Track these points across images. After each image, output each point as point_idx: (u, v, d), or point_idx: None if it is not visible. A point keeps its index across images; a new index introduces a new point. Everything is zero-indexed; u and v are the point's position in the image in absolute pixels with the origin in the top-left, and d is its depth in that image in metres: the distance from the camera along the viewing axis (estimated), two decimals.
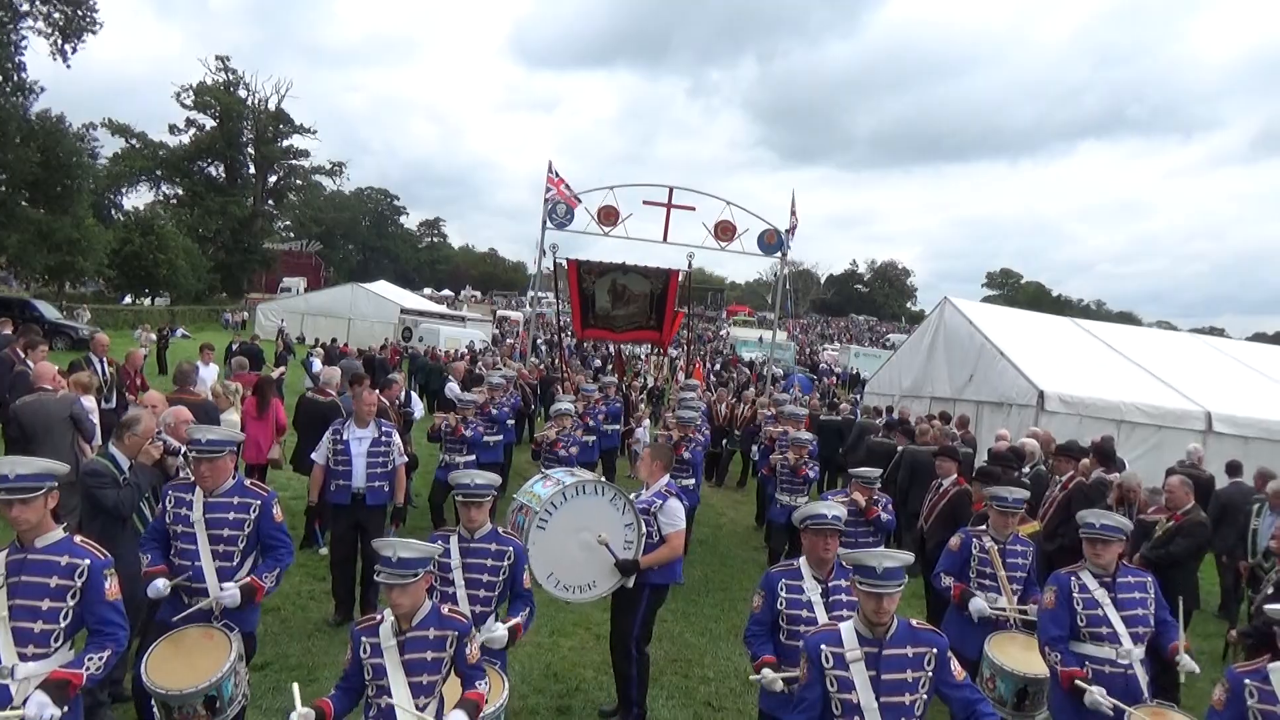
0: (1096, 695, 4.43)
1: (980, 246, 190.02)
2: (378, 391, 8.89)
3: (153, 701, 4.16)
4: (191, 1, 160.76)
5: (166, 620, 4.54)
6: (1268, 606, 3.81)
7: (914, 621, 3.70)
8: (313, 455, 7.59)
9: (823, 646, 3.60)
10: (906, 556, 3.60)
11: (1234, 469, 10.75)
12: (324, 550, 8.48)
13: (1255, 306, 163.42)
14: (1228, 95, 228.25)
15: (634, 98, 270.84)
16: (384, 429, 7.45)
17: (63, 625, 3.61)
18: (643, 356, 26.54)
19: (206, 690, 4.05)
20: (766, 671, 4.30)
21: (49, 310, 28.64)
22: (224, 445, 4.70)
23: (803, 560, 4.54)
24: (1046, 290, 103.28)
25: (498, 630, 4.59)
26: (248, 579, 4.60)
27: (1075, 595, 4.72)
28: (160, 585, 4.51)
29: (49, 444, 6.63)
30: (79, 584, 3.63)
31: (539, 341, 36.95)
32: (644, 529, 5.70)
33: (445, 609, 3.90)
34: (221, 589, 4.51)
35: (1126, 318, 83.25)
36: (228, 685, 4.19)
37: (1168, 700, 4.77)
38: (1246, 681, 3.58)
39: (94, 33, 41.61)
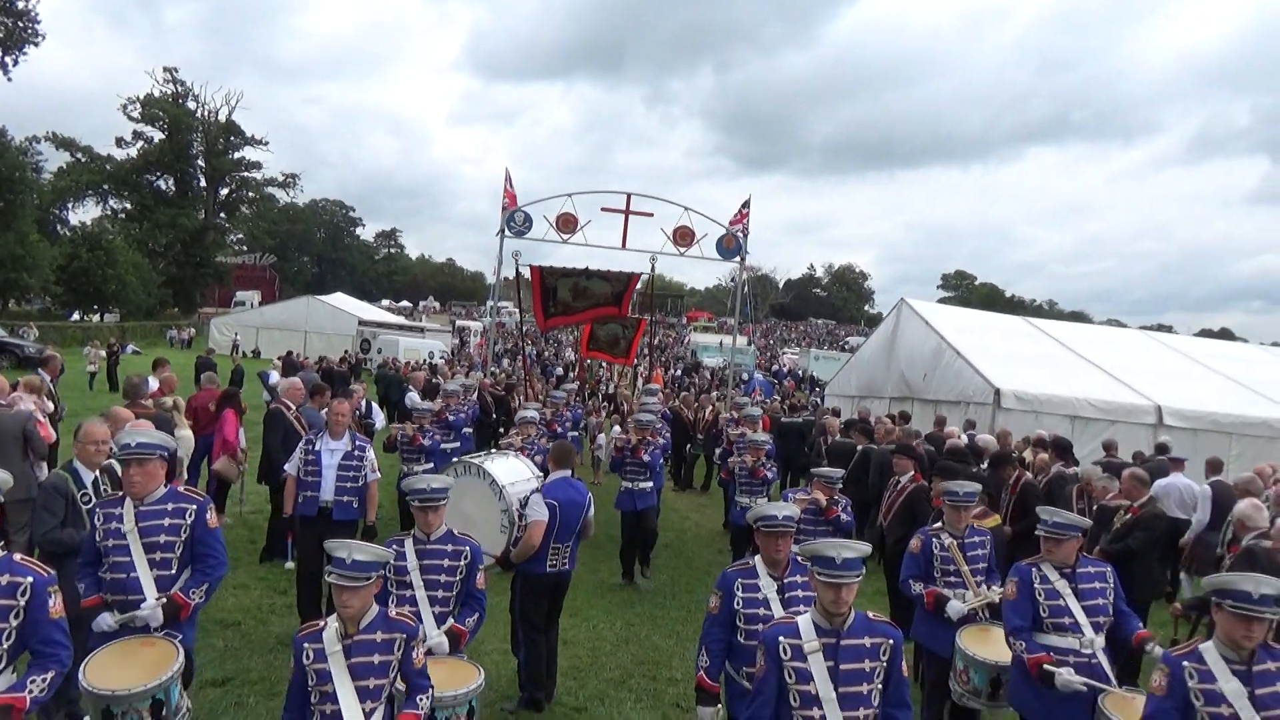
0: (1067, 676, 4.50)
1: (935, 250, 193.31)
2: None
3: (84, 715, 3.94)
4: (144, 15, 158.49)
5: (100, 642, 4.29)
6: (1205, 578, 3.90)
7: (870, 614, 3.72)
8: (285, 466, 7.46)
9: (781, 639, 3.61)
10: (864, 547, 3.63)
11: (1162, 449, 11.58)
12: (290, 565, 8.34)
13: (1200, 303, 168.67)
14: (1165, 100, 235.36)
15: (592, 108, 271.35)
16: (358, 443, 7.28)
17: (5, 646, 3.48)
18: (604, 365, 26.66)
19: (154, 692, 3.87)
20: (705, 713, 4.37)
21: None
22: (154, 449, 4.51)
23: (758, 559, 4.55)
24: (1000, 291, 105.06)
25: (435, 639, 4.55)
26: (171, 594, 4.39)
27: (1036, 586, 4.79)
28: (108, 620, 4.31)
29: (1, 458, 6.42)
30: (22, 603, 3.50)
31: (499, 350, 36.73)
32: (516, 519, 6.12)
33: (393, 611, 3.86)
34: (141, 607, 4.31)
35: (1078, 316, 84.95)
36: (175, 691, 4.00)
37: (1131, 686, 4.85)
38: (1185, 664, 3.67)
39: (35, 44, 40.86)
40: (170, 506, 4.53)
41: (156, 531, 4.45)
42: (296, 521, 7.34)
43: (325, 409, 8.32)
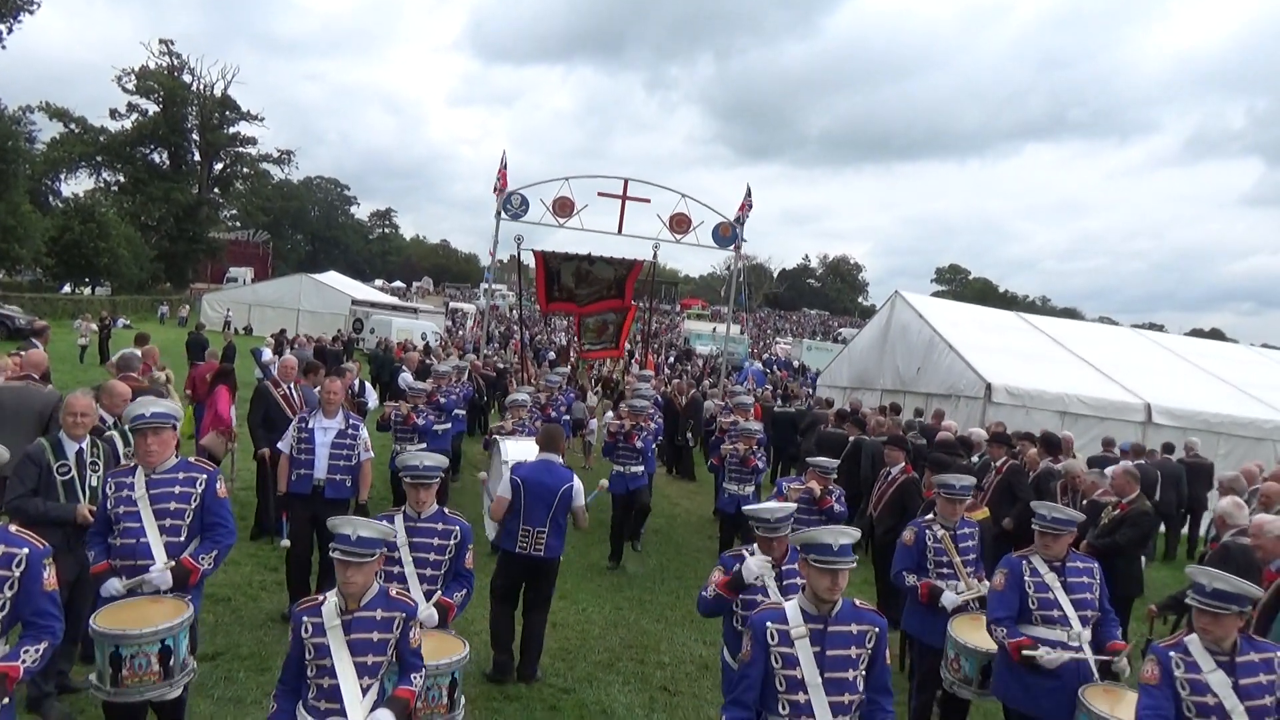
0: (1047, 655, 4.56)
1: (930, 243, 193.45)
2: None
3: (95, 676, 4.01)
4: None
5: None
6: (1188, 568, 3.97)
7: (857, 601, 3.77)
8: (279, 445, 7.46)
9: (768, 624, 3.65)
10: (855, 532, 3.69)
11: (1168, 449, 12.19)
12: (285, 543, 8.31)
13: (1192, 303, 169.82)
14: (1161, 101, 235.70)
15: (592, 92, 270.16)
16: (351, 421, 7.27)
17: (0, 616, 3.51)
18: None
19: (162, 636, 3.96)
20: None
21: None
22: (169, 418, 4.62)
23: (755, 547, 4.58)
24: (994, 286, 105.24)
25: (424, 611, 4.57)
26: (181, 559, 4.49)
27: (1026, 579, 4.83)
28: (116, 585, 4.41)
29: (12, 433, 6.27)
30: (17, 574, 3.51)
31: (493, 332, 36.70)
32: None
33: (393, 590, 3.91)
34: (150, 570, 4.40)
35: (1070, 313, 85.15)
36: (183, 641, 4.09)
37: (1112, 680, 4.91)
38: (1172, 655, 3.78)
39: (30, 12, 40.41)
40: (181, 476, 4.62)
41: (167, 499, 4.54)
42: (289, 499, 7.34)
43: (318, 387, 8.31)
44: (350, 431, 7.19)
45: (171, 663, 4.02)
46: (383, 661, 3.72)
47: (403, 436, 10.01)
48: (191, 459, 4.80)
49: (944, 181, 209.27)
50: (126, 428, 5.04)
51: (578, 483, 6.46)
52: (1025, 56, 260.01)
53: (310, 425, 7.16)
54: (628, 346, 24.74)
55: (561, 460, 6.63)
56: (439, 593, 4.80)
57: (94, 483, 5.21)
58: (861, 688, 3.65)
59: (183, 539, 4.56)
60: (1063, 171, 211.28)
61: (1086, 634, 4.78)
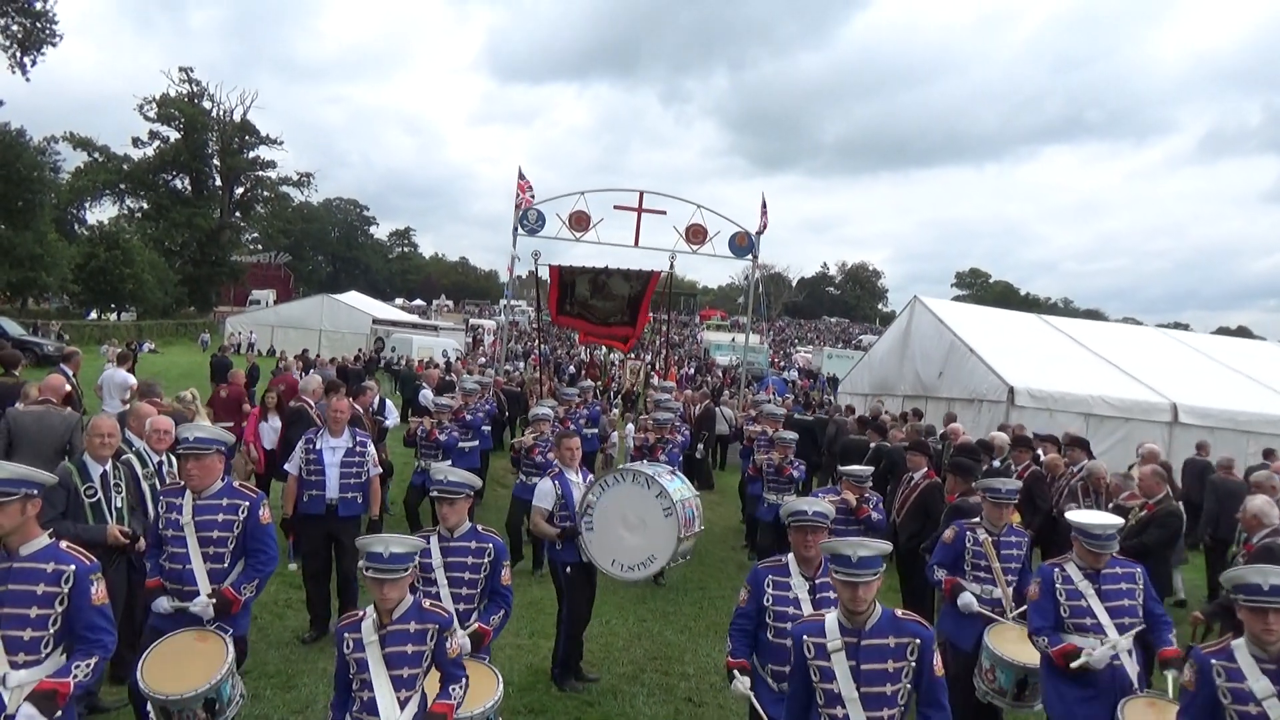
0: (1089, 656, 4.47)
1: (949, 248, 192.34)
2: (350, 399, 8.82)
3: (149, 707, 4.13)
4: (171, 18, 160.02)
5: (160, 627, 4.54)
6: (1231, 570, 3.85)
7: (899, 612, 3.68)
8: (286, 466, 7.50)
9: (805, 637, 3.63)
10: (884, 545, 3.60)
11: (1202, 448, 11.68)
12: (292, 566, 8.32)
13: (1216, 301, 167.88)
14: (1178, 100, 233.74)
15: (608, 108, 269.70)
16: (359, 439, 7.31)
17: (52, 632, 3.59)
18: (616, 362, 26.68)
19: (207, 694, 4.07)
20: (737, 685, 4.34)
21: (12, 327, 28.17)
22: (211, 444, 4.68)
23: (790, 557, 4.53)
24: (1015, 289, 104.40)
25: (458, 638, 4.58)
26: (222, 589, 4.57)
27: (1058, 586, 4.74)
28: (165, 604, 4.54)
29: (34, 456, 6.35)
30: (66, 590, 3.59)
31: (513, 349, 36.81)
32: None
33: (427, 603, 3.93)
34: (193, 602, 4.50)
35: (1093, 315, 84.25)
36: (226, 687, 4.20)
37: (1153, 689, 4.81)
38: (1213, 662, 3.63)
39: (54, 44, 41.18)
40: (225, 501, 4.70)
41: (211, 526, 4.63)
42: (299, 521, 7.36)
43: None
44: (358, 449, 7.23)
45: (217, 707, 4.15)
46: (418, 674, 3.75)
47: (427, 453, 10.03)
48: (237, 484, 4.87)
49: (962, 186, 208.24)
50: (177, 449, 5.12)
51: (541, 487, 6.76)
52: (1040, 59, 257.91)
53: (318, 445, 7.18)
54: (647, 357, 24.75)
55: (556, 465, 6.89)
56: (475, 616, 4.77)
57: (118, 504, 5.32)
58: (904, 702, 3.57)
59: (225, 565, 4.64)
60: (1081, 173, 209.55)
61: (1125, 642, 4.66)
